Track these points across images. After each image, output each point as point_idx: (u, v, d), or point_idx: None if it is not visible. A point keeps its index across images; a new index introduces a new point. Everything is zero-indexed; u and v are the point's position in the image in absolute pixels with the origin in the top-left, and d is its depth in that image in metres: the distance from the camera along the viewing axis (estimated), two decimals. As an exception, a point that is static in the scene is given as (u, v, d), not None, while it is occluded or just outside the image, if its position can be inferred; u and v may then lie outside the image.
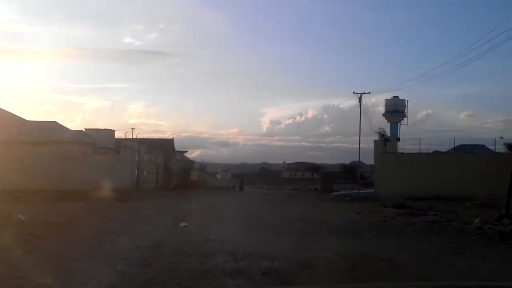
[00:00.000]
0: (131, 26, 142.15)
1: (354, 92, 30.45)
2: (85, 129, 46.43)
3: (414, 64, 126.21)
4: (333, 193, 31.90)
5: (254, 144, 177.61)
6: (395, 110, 32.24)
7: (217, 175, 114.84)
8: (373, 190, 29.67)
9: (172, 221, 14.38)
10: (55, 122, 36.90)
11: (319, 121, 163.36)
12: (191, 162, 61.21)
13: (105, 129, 45.55)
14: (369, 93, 30.28)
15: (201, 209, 20.35)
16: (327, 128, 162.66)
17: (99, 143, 39.57)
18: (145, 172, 33.27)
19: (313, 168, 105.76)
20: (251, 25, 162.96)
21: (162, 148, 45.91)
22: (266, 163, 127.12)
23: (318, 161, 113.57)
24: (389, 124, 32.65)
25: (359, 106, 29.91)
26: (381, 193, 28.17)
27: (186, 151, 58.65)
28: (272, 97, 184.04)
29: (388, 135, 31.70)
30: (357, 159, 36.33)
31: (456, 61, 64.36)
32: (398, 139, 31.34)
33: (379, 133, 30.35)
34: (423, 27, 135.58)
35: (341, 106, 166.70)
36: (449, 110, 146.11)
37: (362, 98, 30.04)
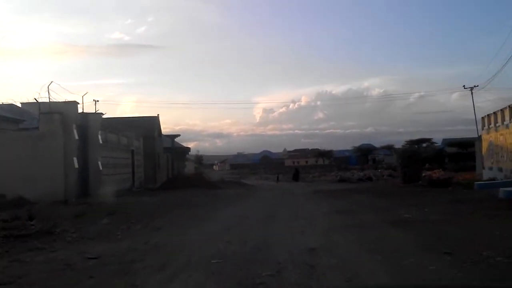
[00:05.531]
0: (120, 21, 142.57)
1: None
2: (22, 103, 30.53)
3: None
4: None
5: (248, 134, 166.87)
6: None
7: (214, 166, 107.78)
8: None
9: None
10: None
11: (312, 108, 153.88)
12: (185, 150, 44.98)
13: (59, 102, 28.84)
14: None
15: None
16: (321, 115, 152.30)
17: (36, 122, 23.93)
18: (100, 164, 16.98)
19: (323, 153, 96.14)
20: (239, 14, 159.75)
21: (141, 128, 29.70)
22: (268, 151, 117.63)
23: (313, 147, 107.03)
24: None
25: None
26: None
27: (179, 135, 42.43)
28: (264, 86, 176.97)
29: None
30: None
31: None
32: None
33: None
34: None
35: (334, 92, 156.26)
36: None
37: None
